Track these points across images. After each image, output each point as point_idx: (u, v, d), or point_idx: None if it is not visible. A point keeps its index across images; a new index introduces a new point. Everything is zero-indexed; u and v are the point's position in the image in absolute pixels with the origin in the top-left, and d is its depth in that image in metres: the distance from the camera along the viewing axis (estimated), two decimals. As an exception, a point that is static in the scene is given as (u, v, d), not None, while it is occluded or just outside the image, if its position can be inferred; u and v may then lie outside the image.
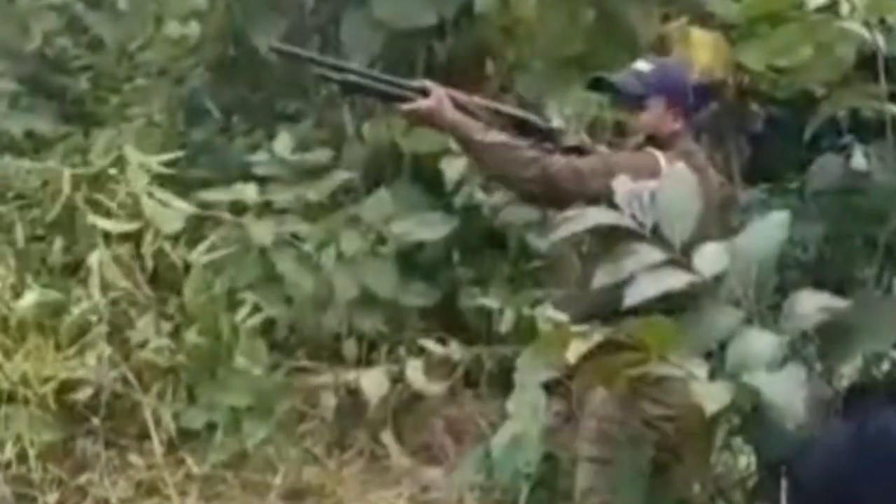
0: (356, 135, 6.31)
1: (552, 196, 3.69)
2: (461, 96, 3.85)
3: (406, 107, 3.79)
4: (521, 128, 3.94)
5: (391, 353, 5.64)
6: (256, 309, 5.26)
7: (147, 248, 5.30)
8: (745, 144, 6.03)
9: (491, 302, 5.62)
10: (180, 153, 5.96)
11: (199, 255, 5.29)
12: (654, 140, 3.82)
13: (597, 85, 4.11)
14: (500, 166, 3.78)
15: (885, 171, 4.74)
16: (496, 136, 3.75)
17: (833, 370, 2.75)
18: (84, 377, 4.83)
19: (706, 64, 5.62)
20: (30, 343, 4.87)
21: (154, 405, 4.84)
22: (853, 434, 2.79)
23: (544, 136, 3.99)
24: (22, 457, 4.59)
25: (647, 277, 2.78)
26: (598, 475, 3.43)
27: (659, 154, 3.73)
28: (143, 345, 4.99)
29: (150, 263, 5.30)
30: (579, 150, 3.98)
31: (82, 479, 4.67)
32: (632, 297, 2.75)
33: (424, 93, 3.79)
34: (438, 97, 3.76)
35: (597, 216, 2.94)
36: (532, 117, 4.05)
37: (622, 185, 2.98)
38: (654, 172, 3.48)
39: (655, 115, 3.87)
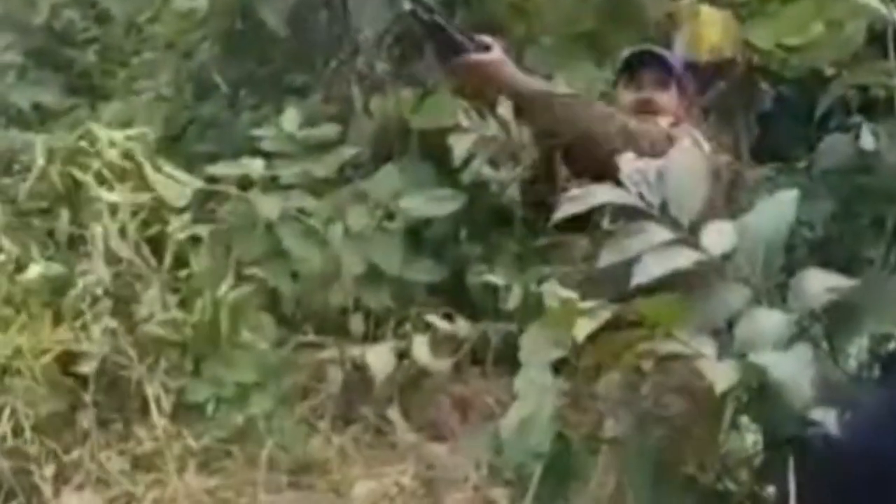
0: (364, 110, 6.30)
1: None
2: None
3: (475, 57, 3.71)
4: None
5: (398, 329, 5.64)
6: (261, 283, 5.26)
7: (153, 222, 5.30)
8: (753, 123, 6.03)
9: (498, 279, 5.61)
10: (147, 129, 5.91)
11: (205, 230, 5.28)
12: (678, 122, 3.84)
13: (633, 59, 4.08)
14: (581, 121, 3.68)
15: (894, 151, 4.73)
16: (564, 89, 3.69)
17: (840, 350, 2.73)
18: (87, 350, 4.82)
19: (715, 42, 5.62)
20: (29, 315, 4.86)
21: (157, 379, 4.83)
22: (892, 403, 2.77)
23: None
24: (18, 430, 4.59)
25: (655, 256, 2.77)
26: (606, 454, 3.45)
27: (695, 131, 3.74)
28: (147, 319, 4.98)
29: (155, 237, 5.29)
30: None
31: (80, 452, 4.66)
32: (639, 276, 2.74)
33: (486, 47, 3.72)
34: (501, 53, 3.69)
35: (603, 194, 2.93)
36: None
37: (628, 163, 2.97)
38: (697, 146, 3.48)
39: (673, 96, 3.89)
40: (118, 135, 5.54)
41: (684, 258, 2.76)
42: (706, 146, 3.72)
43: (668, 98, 3.93)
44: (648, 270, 2.75)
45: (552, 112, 3.72)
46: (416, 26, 4.03)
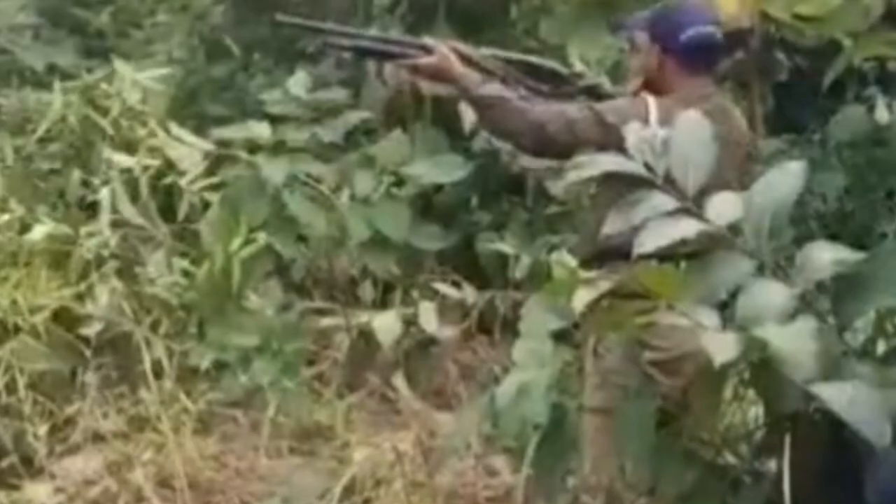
0: (377, 76, 6.26)
1: (545, 147, 3.71)
2: (466, 49, 3.89)
3: (410, 62, 3.85)
4: (536, 74, 3.93)
5: (406, 296, 5.62)
6: (270, 248, 5.23)
7: (162, 185, 5.29)
8: (768, 94, 5.97)
9: (507, 247, 5.59)
10: (170, 70, 5.93)
11: (213, 193, 5.26)
12: (651, 85, 3.77)
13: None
14: (494, 119, 3.80)
15: (910, 124, 4.68)
16: (489, 90, 3.76)
17: (846, 324, 2.68)
18: (91, 312, 4.81)
19: (732, 12, 5.55)
20: (28, 272, 4.85)
21: (161, 342, 4.82)
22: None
23: (562, 81, 3.97)
24: (13, 387, 4.58)
25: (659, 225, 2.73)
26: (602, 425, 3.43)
27: (651, 100, 3.68)
28: (153, 281, 4.97)
29: (164, 200, 5.27)
30: (597, 92, 3.95)
31: (77, 413, 4.65)
32: (642, 244, 2.70)
33: (428, 50, 3.83)
34: (442, 54, 3.80)
35: (608, 162, 2.89)
36: (547, 62, 4.03)
37: (633, 131, 2.92)
38: (643, 119, 3.44)
39: (642, 53, 3.84)
40: (141, 75, 5.54)
41: (688, 228, 2.72)
42: (666, 112, 3.65)
43: (637, 57, 3.90)
44: (652, 239, 2.71)
45: (475, 108, 3.85)
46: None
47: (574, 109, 3.71)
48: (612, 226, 2.83)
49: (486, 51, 3.93)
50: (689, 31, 3.78)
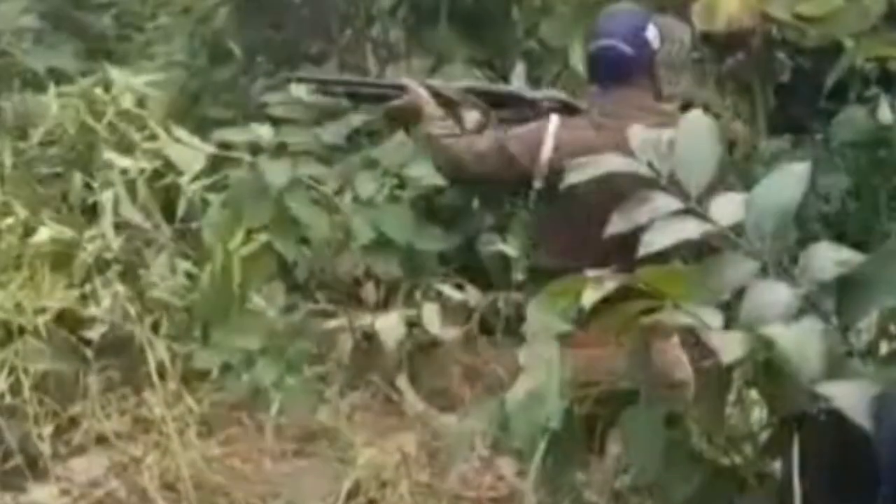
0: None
1: (459, 179, 3.97)
2: (438, 85, 4.12)
3: (391, 105, 4.34)
4: (503, 102, 4.07)
5: (409, 298, 5.62)
6: (274, 251, 5.23)
7: (164, 188, 5.29)
8: (770, 95, 5.97)
9: (509, 249, 5.59)
10: (163, 76, 5.95)
11: (216, 195, 5.26)
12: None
13: None
14: (432, 156, 4.25)
15: (912, 125, 4.69)
16: (431, 128, 3.98)
17: (849, 325, 2.69)
18: (95, 315, 4.81)
19: (733, 12, 5.56)
20: (36, 276, 4.86)
21: (165, 345, 4.82)
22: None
23: (529, 106, 4.07)
24: (17, 388, 4.58)
25: (662, 226, 2.74)
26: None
27: (553, 124, 3.76)
28: (156, 284, 4.97)
29: (166, 203, 5.27)
30: (570, 109, 4.01)
31: (82, 415, 4.65)
32: (646, 245, 2.72)
33: (404, 89, 4.25)
34: (414, 93, 3.99)
35: (612, 163, 2.90)
36: (514, 90, 4.18)
37: (637, 133, 2.93)
38: (537, 139, 3.56)
39: None
40: (135, 80, 5.56)
41: (692, 229, 2.73)
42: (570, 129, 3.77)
43: None
44: (656, 240, 2.72)
45: (434, 150, 4.04)
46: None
47: (484, 141, 3.83)
48: (615, 227, 2.84)
49: (457, 84, 4.11)
50: (590, 44, 3.85)
